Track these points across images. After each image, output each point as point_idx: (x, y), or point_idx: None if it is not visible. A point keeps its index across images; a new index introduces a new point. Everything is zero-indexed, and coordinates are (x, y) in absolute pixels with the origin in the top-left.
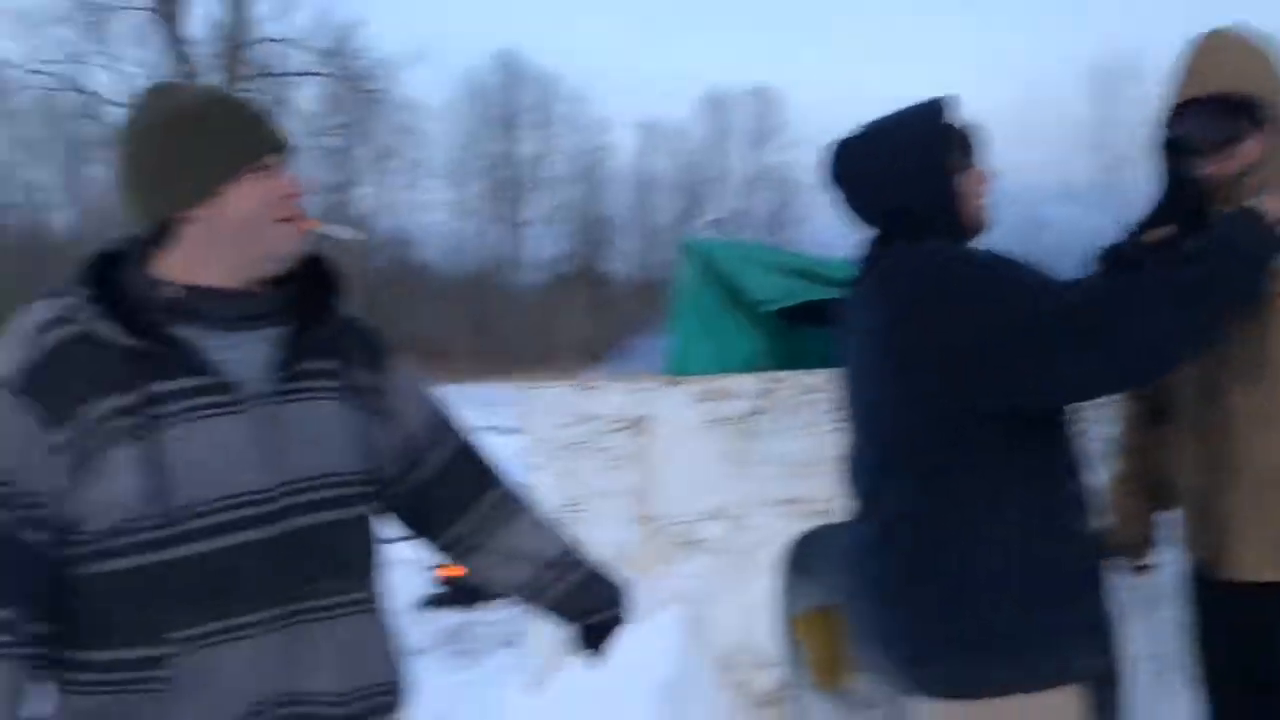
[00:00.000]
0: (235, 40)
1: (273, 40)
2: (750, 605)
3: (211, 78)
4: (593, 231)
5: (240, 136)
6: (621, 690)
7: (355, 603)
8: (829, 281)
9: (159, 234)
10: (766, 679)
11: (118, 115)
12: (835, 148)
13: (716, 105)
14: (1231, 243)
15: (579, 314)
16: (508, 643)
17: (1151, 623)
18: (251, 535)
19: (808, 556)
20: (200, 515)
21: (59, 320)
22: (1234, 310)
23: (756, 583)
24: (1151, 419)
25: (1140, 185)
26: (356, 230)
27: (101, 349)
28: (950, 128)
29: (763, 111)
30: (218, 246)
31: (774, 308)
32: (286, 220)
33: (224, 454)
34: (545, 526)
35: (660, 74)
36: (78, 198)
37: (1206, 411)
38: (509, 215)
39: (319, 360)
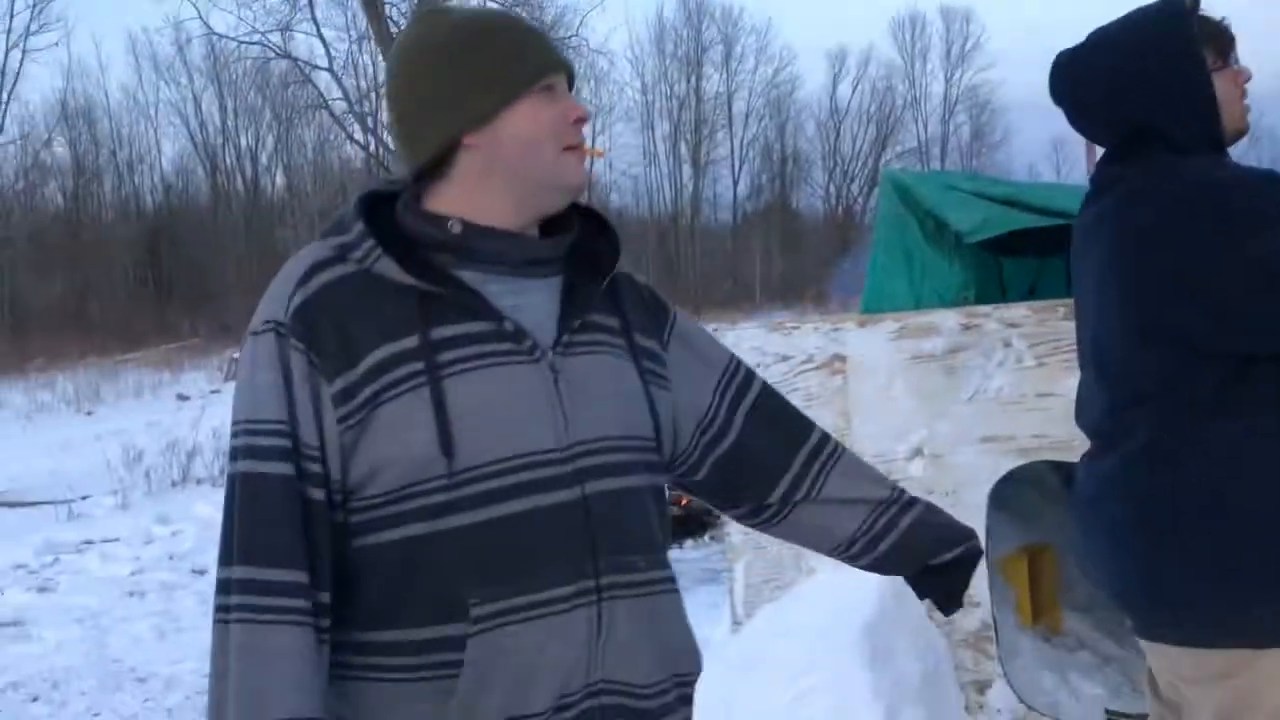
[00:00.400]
0: (432, 3)
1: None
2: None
3: None
4: (782, 166)
5: (522, 55)
6: (827, 629)
7: (662, 580)
8: (1036, 209)
9: (435, 166)
10: (973, 619)
11: (324, 80)
12: (1062, 61)
13: (907, 28)
14: None
15: (770, 252)
16: (709, 580)
17: None
18: (549, 499)
19: (1014, 496)
20: (494, 475)
21: (331, 260)
22: None
23: (965, 522)
24: None
25: None
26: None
27: (378, 289)
28: (1200, 23)
29: (955, 32)
30: (499, 177)
31: (978, 238)
32: (571, 149)
33: (515, 407)
34: (867, 467)
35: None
36: (290, 161)
37: None
38: (697, 155)
39: (603, 315)
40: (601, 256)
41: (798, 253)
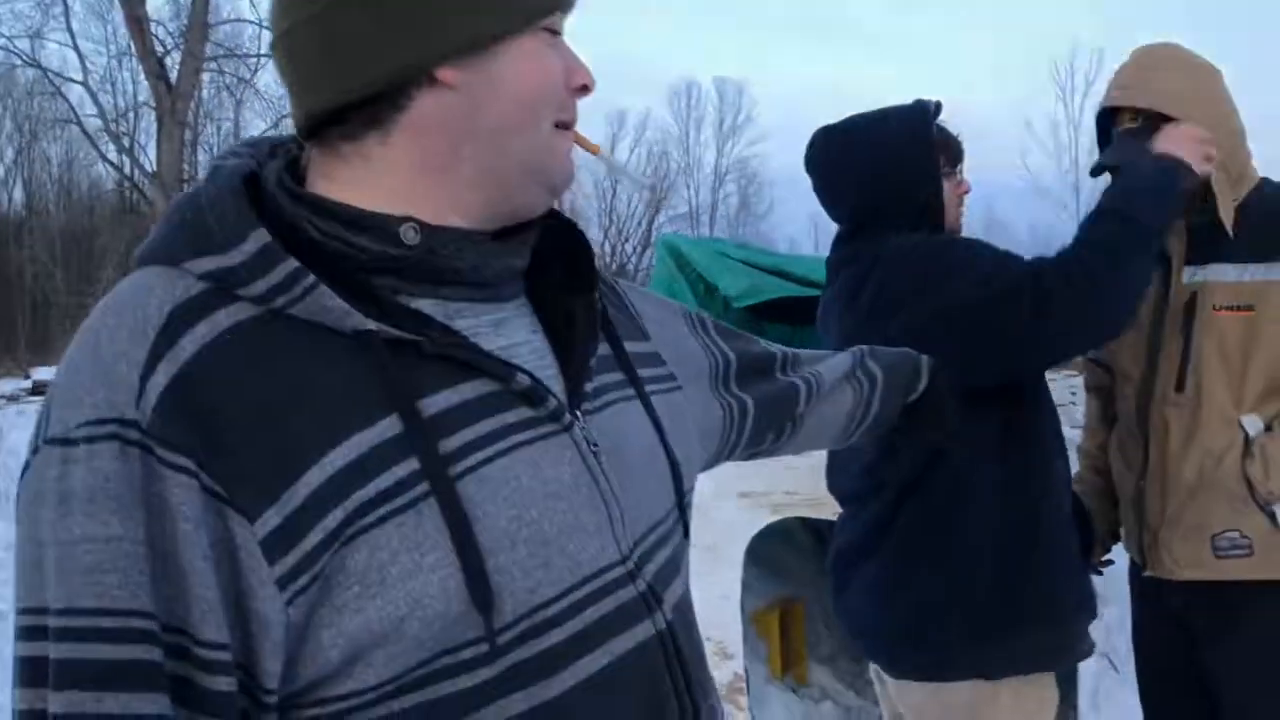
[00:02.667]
0: (198, 19)
1: (237, 20)
2: (712, 598)
3: (172, 58)
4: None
5: None
6: None
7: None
8: (798, 279)
9: (361, 119)
10: (726, 671)
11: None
12: (822, 136)
13: (683, 96)
14: (1135, 189)
15: None
16: None
17: (1100, 620)
18: (627, 640)
19: (767, 550)
20: (553, 624)
21: (207, 301)
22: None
23: (720, 575)
24: (1106, 423)
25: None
26: (651, 181)
27: (305, 345)
28: (938, 130)
29: (728, 104)
30: (475, 147)
31: (745, 304)
32: (564, 127)
33: (559, 508)
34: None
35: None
36: (32, 176)
37: (1143, 420)
38: None
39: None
40: (554, 254)
41: None
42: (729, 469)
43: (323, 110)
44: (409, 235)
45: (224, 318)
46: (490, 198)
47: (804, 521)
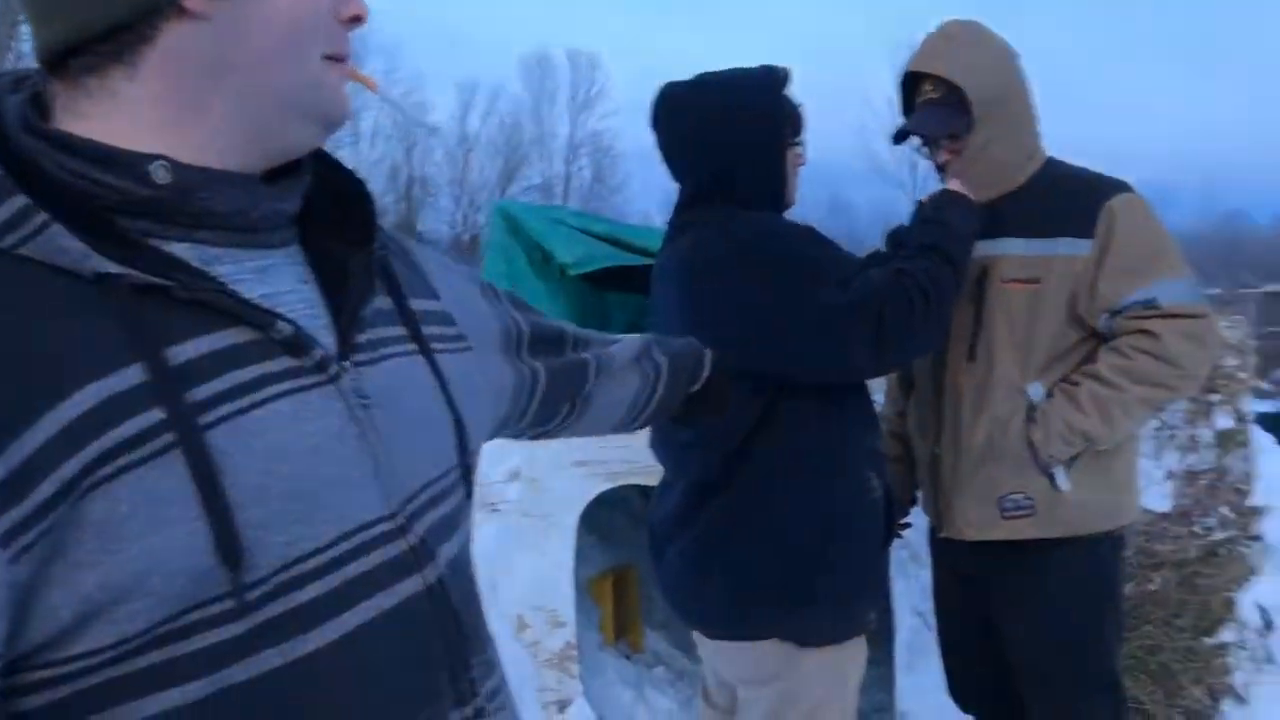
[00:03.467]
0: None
1: None
2: (546, 567)
3: None
4: (409, 189)
5: None
6: None
7: (504, 692)
8: (636, 249)
9: (106, 50)
10: (558, 640)
11: None
12: (666, 93)
13: (536, 68)
14: (947, 225)
15: None
16: None
17: (915, 581)
18: (393, 596)
19: (603, 519)
20: (311, 577)
21: None
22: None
23: (553, 543)
24: (905, 390)
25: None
26: (433, 123)
27: (40, 288)
28: (786, 102)
29: (581, 77)
30: (230, 80)
31: (581, 271)
32: (335, 60)
33: (320, 460)
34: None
35: (478, 33)
36: None
37: (937, 386)
38: None
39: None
40: (334, 205)
41: None
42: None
43: (62, 42)
44: (159, 174)
45: None
46: (250, 135)
47: (639, 490)
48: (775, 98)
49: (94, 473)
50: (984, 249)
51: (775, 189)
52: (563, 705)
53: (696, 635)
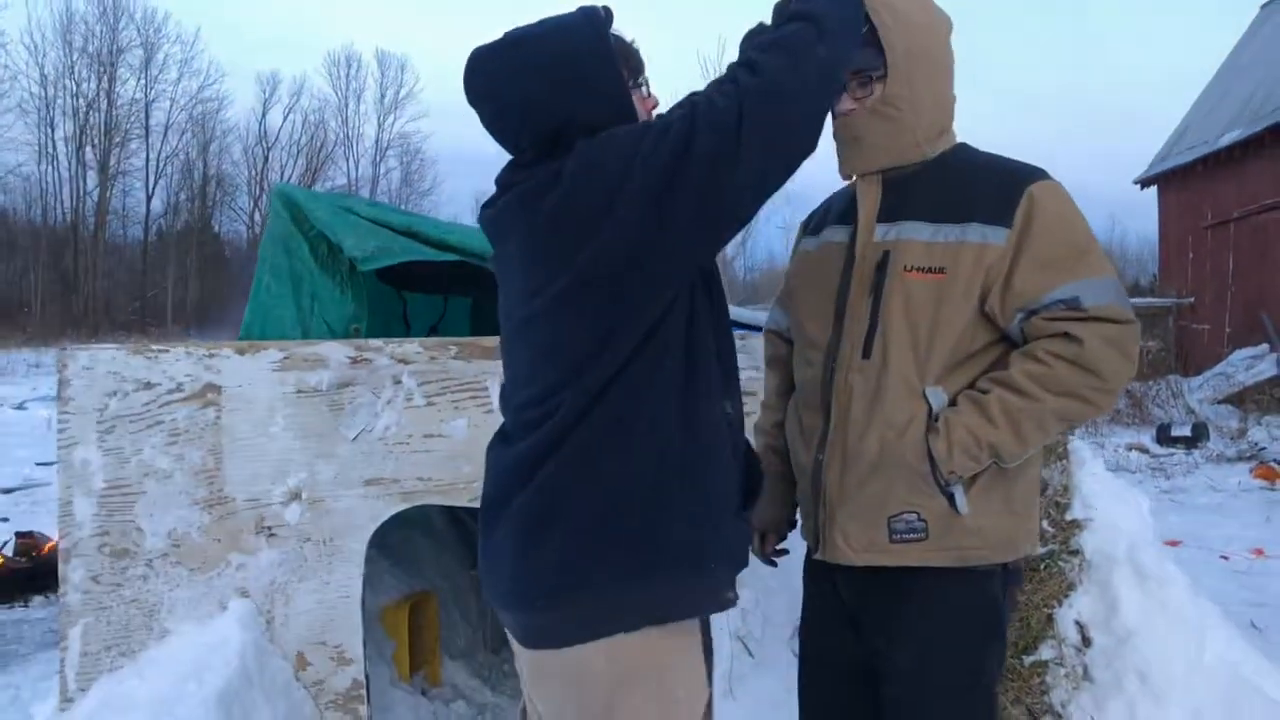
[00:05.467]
0: None
1: None
2: (331, 598)
3: None
4: (203, 186)
5: None
6: (173, 700)
7: None
8: (434, 243)
9: None
10: (344, 678)
11: None
12: (482, 55)
13: (342, 65)
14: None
15: (186, 274)
16: (50, 645)
17: (739, 602)
18: None
19: (399, 542)
20: None
21: None
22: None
23: (338, 572)
24: (784, 397)
25: None
26: None
27: None
28: (618, 40)
29: (390, 78)
30: None
31: (372, 266)
32: None
33: None
34: None
35: (280, 26)
36: None
37: (827, 388)
38: (106, 162)
39: None
40: None
41: (217, 278)
42: (352, 450)
43: None
44: None
45: None
46: None
47: (444, 509)
48: (602, 38)
49: None
50: (885, 234)
51: (622, 118)
52: None
53: (517, 649)
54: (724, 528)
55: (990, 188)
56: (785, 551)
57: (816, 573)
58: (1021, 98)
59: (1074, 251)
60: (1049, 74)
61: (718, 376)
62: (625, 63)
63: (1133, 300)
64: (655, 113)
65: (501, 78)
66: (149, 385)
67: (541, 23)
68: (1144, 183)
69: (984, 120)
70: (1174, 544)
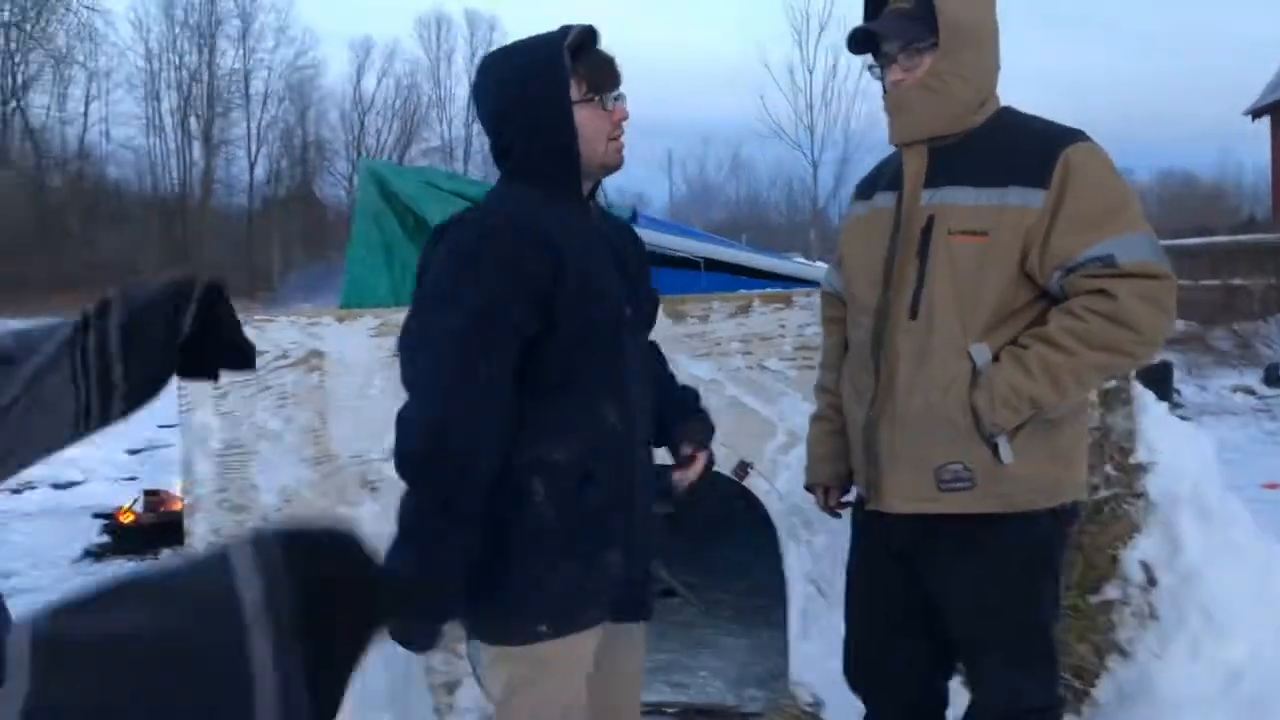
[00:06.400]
0: None
1: None
2: None
3: None
4: (303, 153)
5: None
6: None
7: None
8: None
9: None
10: None
11: None
12: (477, 65)
13: (433, 27)
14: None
15: (291, 240)
16: None
17: (806, 547)
18: None
19: None
20: None
21: None
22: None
23: None
24: (842, 355)
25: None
26: None
27: None
28: (587, 55)
29: (480, 38)
30: None
31: None
32: None
33: None
34: None
35: None
36: None
37: (877, 348)
38: (209, 133)
39: None
40: None
41: (320, 243)
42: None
43: None
44: None
45: None
46: None
47: None
48: (549, 57)
49: None
50: (930, 198)
51: (560, 148)
52: (451, 687)
53: None
54: (534, 579)
55: (1029, 151)
56: (849, 504)
57: (868, 522)
58: (1127, 32)
59: (1108, 210)
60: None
61: (542, 425)
62: (588, 78)
63: (1240, 237)
64: (623, 122)
65: (478, 93)
66: (259, 353)
67: (516, 41)
68: (1255, 113)
69: (1089, 58)
70: (1274, 486)
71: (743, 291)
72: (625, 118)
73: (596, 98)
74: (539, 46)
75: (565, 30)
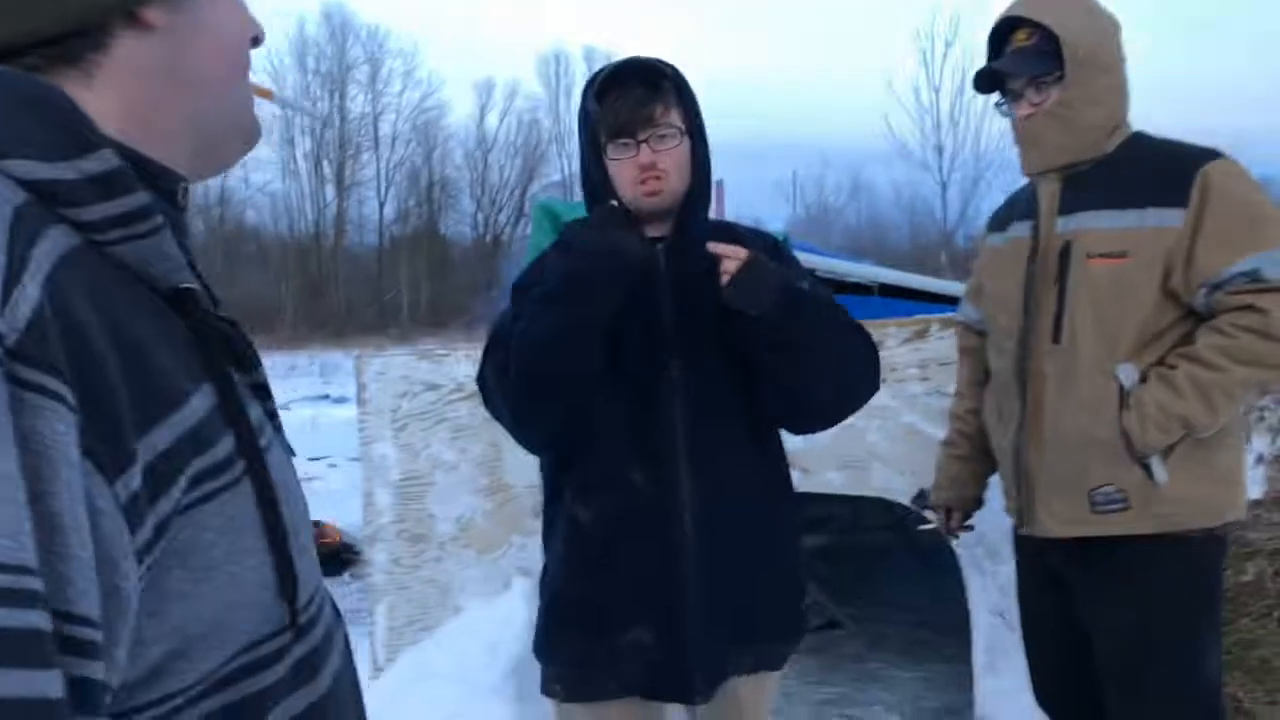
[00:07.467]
0: None
1: None
2: None
3: None
4: (429, 192)
5: None
6: (471, 670)
7: None
8: None
9: (45, 64)
10: None
11: None
12: None
13: (552, 64)
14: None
15: (418, 277)
16: (349, 621)
17: (992, 579)
18: (341, 638)
19: None
20: (315, 615)
21: (39, 209)
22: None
23: None
24: (978, 386)
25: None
26: (318, 109)
27: (128, 289)
28: (603, 106)
29: None
30: (181, 96)
31: None
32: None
33: (298, 498)
34: None
35: (493, 31)
36: None
37: (1021, 373)
38: (341, 175)
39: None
40: None
41: (446, 279)
42: None
43: (6, 41)
44: (181, 194)
45: (59, 236)
46: (195, 152)
47: None
48: (581, 107)
49: (190, 493)
50: (1065, 225)
51: (591, 194)
52: None
53: None
54: (619, 634)
55: (1165, 171)
56: (970, 528)
57: (1024, 546)
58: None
59: (1251, 225)
60: None
61: (602, 481)
62: (605, 126)
63: None
64: (639, 167)
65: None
66: (434, 386)
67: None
68: None
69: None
70: None
71: (919, 316)
72: (646, 162)
73: (617, 143)
74: (583, 95)
75: (593, 76)
